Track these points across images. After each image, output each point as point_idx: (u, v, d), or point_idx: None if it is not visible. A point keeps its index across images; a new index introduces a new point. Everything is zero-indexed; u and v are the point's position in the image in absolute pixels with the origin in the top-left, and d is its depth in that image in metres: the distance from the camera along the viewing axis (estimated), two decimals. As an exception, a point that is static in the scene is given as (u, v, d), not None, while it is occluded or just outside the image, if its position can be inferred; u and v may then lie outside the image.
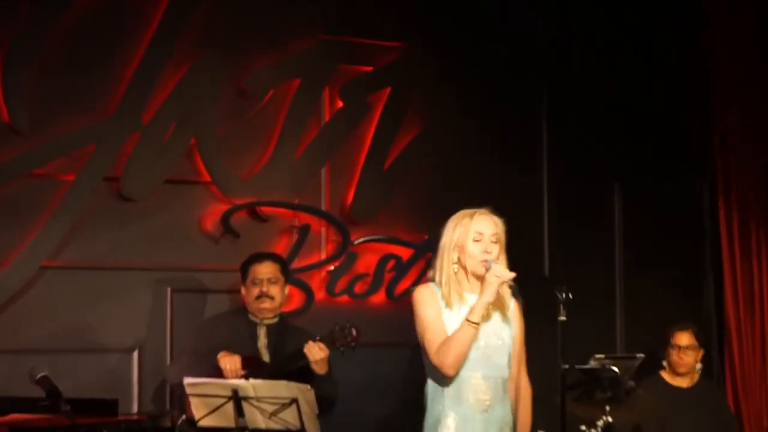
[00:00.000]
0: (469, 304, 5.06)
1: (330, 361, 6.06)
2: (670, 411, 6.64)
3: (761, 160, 8.01)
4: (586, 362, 5.79)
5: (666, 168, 8.06)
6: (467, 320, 4.98)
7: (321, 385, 5.82)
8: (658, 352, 7.09)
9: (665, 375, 7.06)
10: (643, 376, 6.94)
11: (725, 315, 7.98)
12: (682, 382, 7.03)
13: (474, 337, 5.01)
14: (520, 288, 5.00)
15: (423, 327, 5.12)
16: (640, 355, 6.16)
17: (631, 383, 6.10)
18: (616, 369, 5.79)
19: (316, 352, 6.00)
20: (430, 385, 5.16)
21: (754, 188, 7.99)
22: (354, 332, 6.08)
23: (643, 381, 6.87)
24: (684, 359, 6.98)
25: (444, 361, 5.02)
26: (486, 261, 5.01)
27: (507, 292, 5.11)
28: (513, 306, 5.18)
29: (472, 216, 5.14)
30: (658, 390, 6.82)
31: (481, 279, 5.07)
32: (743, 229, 7.97)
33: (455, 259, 5.12)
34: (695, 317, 7.68)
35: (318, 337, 6.04)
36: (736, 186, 7.99)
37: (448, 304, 5.09)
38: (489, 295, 4.98)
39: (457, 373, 5.06)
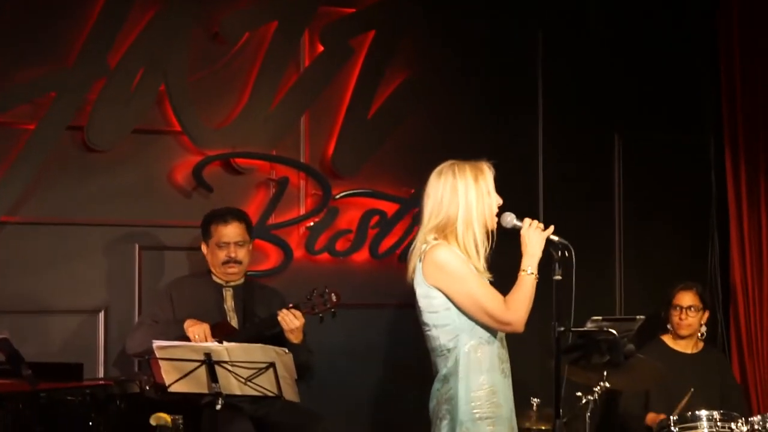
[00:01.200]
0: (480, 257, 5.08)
1: (305, 328, 6.05)
2: (673, 377, 6.64)
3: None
4: (582, 324, 5.77)
5: (669, 118, 8.06)
6: (525, 271, 5.03)
7: (295, 354, 5.78)
8: (660, 314, 7.10)
9: (667, 339, 7.07)
10: (643, 340, 6.96)
11: (731, 274, 8.01)
12: (686, 348, 7.04)
13: (534, 289, 5.07)
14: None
15: (473, 289, 5.04)
16: (640, 317, 6.14)
17: (631, 347, 6.07)
18: (614, 332, 5.77)
19: (290, 320, 5.99)
20: (461, 355, 5.12)
21: (763, 139, 7.96)
22: (334, 297, 6.08)
23: (644, 345, 6.89)
24: (686, 320, 6.99)
25: (520, 316, 5.03)
26: (505, 213, 5.09)
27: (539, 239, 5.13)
28: None
29: (482, 169, 5.15)
30: (659, 355, 6.82)
31: (490, 230, 5.11)
32: (751, 183, 7.98)
33: (470, 218, 5.12)
34: (699, 277, 7.72)
35: (293, 304, 6.03)
36: (744, 137, 7.99)
37: (478, 270, 5.09)
38: (538, 250, 5.05)
39: (491, 338, 5.10)
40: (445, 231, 5.09)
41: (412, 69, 7.35)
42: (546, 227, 5.06)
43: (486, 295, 5.05)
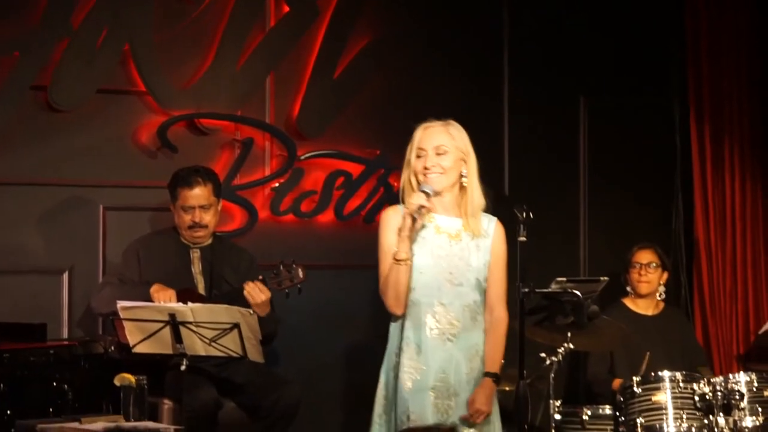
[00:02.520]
0: (436, 225, 5.07)
1: (272, 300, 6.06)
2: (635, 339, 6.69)
3: (736, 71, 8.02)
4: (546, 286, 5.80)
5: (634, 81, 8.06)
6: (394, 258, 4.99)
7: (262, 325, 5.79)
8: (621, 276, 7.13)
9: (628, 302, 7.11)
10: (605, 303, 7.00)
11: (695, 236, 8.04)
12: (646, 309, 7.08)
13: (407, 274, 5.02)
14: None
15: (379, 253, 5.11)
16: (604, 278, 6.19)
17: (595, 308, 6.13)
18: (578, 293, 5.81)
19: (257, 294, 5.99)
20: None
21: (728, 100, 8.01)
22: (300, 273, 6.07)
23: (605, 309, 6.93)
24: (645, 277, 7.03)
25: (385, 301, 5.07)
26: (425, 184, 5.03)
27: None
28: (493, 229, 5.18)
29: (426, 126, 5.12)
30: (620, 317, 6.86)
31: (454, 195, 5.11)
32: (715, 146, 8.02)
33: (409, 178, 5.11)
34: (663, 238, 7.76)
35: (261, 277, 6.03)
36: (709, 100, 8.01)
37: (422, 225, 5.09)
38: (406, 229, 4.97)
39: (408, 307, 5.08)
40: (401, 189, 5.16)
41: (378, 31, 7.34)
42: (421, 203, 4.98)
43: (380, 266, 5.09)
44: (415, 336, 5.09)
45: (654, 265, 7.05)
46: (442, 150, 5.05)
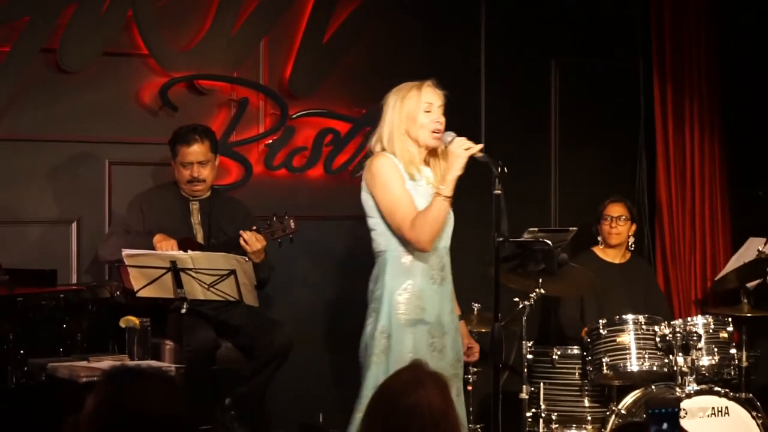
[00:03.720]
0: (425, 176, 5.09)
1: (266, 249, 6.07)
2: (603, 285, 6.72)
3: (697, 36, 7.99)
4: (519, 235, 5.81)
5: (601, 44, 8.05)
6: (441, 195, 4.98)
7: (257, 271, 5.82)
8: (591, 227, 7.15)
9: (597, 251, 7.12)
10: (575, 252, 7.02)
11: (657, 191, 8.05)
12: (614, 258, 7.10)
13: (447, 212, 5.03)
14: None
15: (392, 202, 5.06)
16: (573, 228, 6.20)
17: (564, 256, 6.14)
18: (549, 242, 5.82)
19: (253, 242, 5.99)
20: (389, 258, 5.15)
21: (690, 66, 7.99)
22: (292, 224, 6.08)
23: (576, 256, 6.95)
24: (616, 229, 7.04)
25: (421, 237, 5.02)
26: (444, 132, 5.06)
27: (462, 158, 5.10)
28: None
29: (420, 87, 5.13)
30: (589, 265, 6.89)
31: (430, 150, 5.13)
32: (677, 105, 8.00)
33: (405, 131, 5.12)
34: (628, 192, 7.76)
35: (255, 227, 6.03)
36: (671, 62, 7.99)
37: (412, 177, 5.09)
38: (457, 168, 4.97)
39: (409, 252, 5.11)
40: (382, 143, 5.14)
41: (364, -2, 7.32)
42: (481, 145, 5.03)
43: (400, 209, 5.04)
44: (414, 279, 5.11)
45: (624, 218, 7.06)
46: (443, 110, 5.13)
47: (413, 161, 5.11)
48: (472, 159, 4.98)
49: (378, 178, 5.09)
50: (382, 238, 5.15)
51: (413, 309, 5.08)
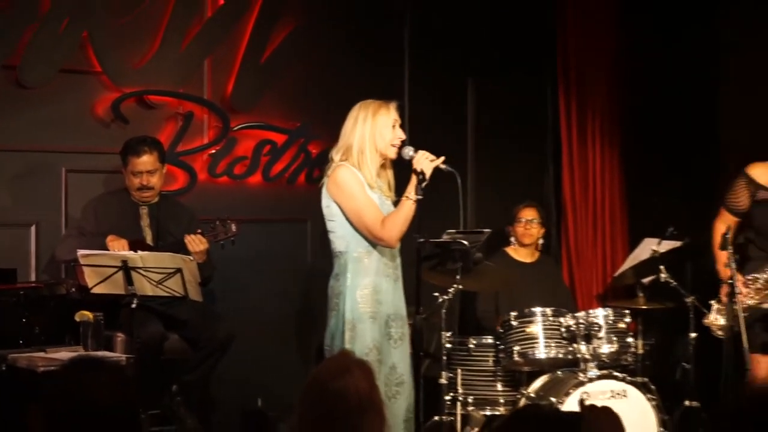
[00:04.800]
0: (379, 186, 5.19)
1: (210, 250, 6.08)
2: (515, 281, 6.77)
3: (597, 56, 8.07)
4: (439, 236, 5.85)
5: (514, 65, 8.10)
6: (410, 199, 5.10)
7: (201, 271, 5.84)
8: (504, 229, 7.20)
9: (510, 251, 7.17)
10: (490, 252, 7.07)
11: (563, 196, 8.11)
12: (525, 257, 7.16)
13: (413, 213, 5.17)
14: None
15: (359, 207, 5.17)
16: (487, 230, 6.24)
17: (479, 255, 6.18)
18: (465, 242, 5.87)
19: (196, 244, 6.02)
20: (349, 258, 5.21)
21: (590, 82, 8.06)
22: (233, 227, 6.11)
23: (491, 256, 7.00)
24: (529, 231, 7.10)
25: (392, 235, 5.16)
26: (406, 146, 5.23)
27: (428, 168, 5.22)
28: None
29: (387, 106, 5.28)
30: (503, 263, 6.94)
31: (385, 159, 5.27)
32: (580, 119, 8.07)
33: (375, 145, 5.21)
34: (536, 197, 7.82)
35: (199, 230, 6.04)
36: (576, 80, 8.06)
37: (372, 186, 5.19)
38: (426, 177, 5.15)
39: (371, 252, 5.19)
40: (347, 153, 5.20)
41: (299, 21, 7.31)
42: (443, 157, 5.19)
43: (368, 213, 5.15)
44: (372, 276, 5.19)
45: (536, 221, 7.14)
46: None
47: (371, 172, 5.22)
48: (407, 168, 5.14)
49: (343, 187, 5.19)
50: (342, 240, 5.25)
51: (373, 303, 5.20)
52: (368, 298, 5.20)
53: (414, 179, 5.15)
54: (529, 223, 7.11)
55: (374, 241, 5.20)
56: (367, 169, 5.20)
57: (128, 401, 2.88)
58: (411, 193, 5.14)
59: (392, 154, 5.26)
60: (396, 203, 5.28)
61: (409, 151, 5.20)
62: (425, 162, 5.13)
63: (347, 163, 5.21)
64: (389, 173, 5.35)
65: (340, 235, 5.25)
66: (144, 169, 6.23)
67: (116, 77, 6.73)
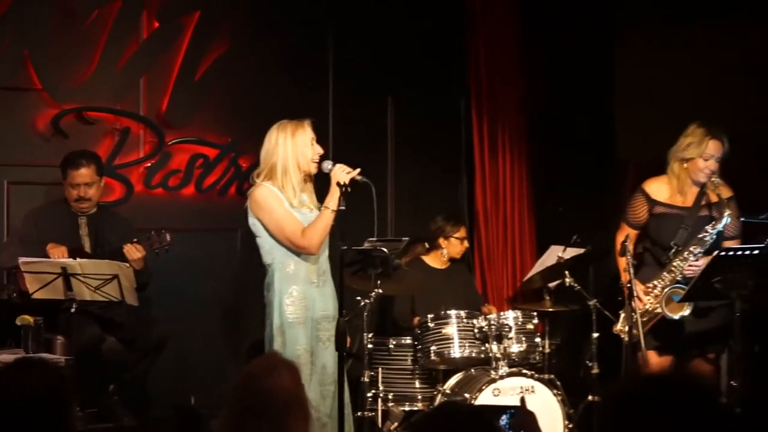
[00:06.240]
0: (303, 202, 5.19)
1: (146, 257, 6.01)
2: (430, 286, 6.77)
3: (506, 77, 8.12)
4: (361, 244, 5.84)
5: (430, 84, 8.11)
6: (329, 208, 5.13)
7: (138, 277, 5.78)
8: (423, 238, 7.18)
9: (425, 258, 7.16)
10: (407, 258, 7.05)
11: (475, 206, 8.14)
12: (438, 264, 7.14)
13: (332, 222, 5.18)
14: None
15: (279, 220, 5.20)
16: (405, 239, 6.24)
17: (398, 261, 6.18)
18: (385, 250, 5.86)
19: (133, 252, 5.97)
20: (276, 268, 5.23)
21: (501, 101, 8.10)
22: (168, 237, 6.09)
23: (407, 263, 6.99)
24: (460, 248, 7.11)
25: (312, 243, 5.18)
26: (325, 160, 5.25)
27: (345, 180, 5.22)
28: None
29: (303, 125, 5.29)
30: (418, 269, 6.93)
31: (307, 174, 5.29)
32: (491, 136, 8.10)
33: (297, 163, 5.22)
34: (451, 208, 7.84)
35: (136, 240, 5.99)
36: (488, 99, 8.09)
37: (292, 205, 5.19)
38: (349, 188, 5.16)
39: (298, 261, 5.18)
40: (271, 173, 5.21)
41: (230, 43, 7.26)
42: (359, 169, 5.21)
43: (287, 225, 5.18)
44: (298, 284, 5.20)
45: (466, 238, 7.17)
46: None
47: (293, 189, 5.23)
48: (330, 181, 5.15)
49: (262, 204, 5.21)
50: (269, 253, 5.28)
51: (300, 309, 5.22)
52: (295, 305, 5.22)
53: (333, 191, 5.16)
54: (462, 241, 7.12)
55: (296, 250, 5.21)
56: (290, 187, 5.24)
57: (57, 397, 2.84)
58: (330, 203, 5.15)
59: (314, 169, 5.30)
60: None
61: (327, 164, 5.22)
62: (342, 174, 5.16)
63: (267, 183, 5.23)
64: (310, 186, 5.39)
65: (267, 249, 5.29)
66: (82, 182, 6.14)
67: (56, 94, 6.65)
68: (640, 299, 5.69)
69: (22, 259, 5.59)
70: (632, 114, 7.98)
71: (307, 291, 5.26)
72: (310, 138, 5.29)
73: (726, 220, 5.71)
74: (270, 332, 5.24)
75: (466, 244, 7.19)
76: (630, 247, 5.74)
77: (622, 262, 5.75)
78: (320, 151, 5.29)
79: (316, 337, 5.27)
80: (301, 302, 5.23)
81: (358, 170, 5.19)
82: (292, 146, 5.24)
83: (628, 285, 5.65)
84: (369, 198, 5.17)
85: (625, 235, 5.85)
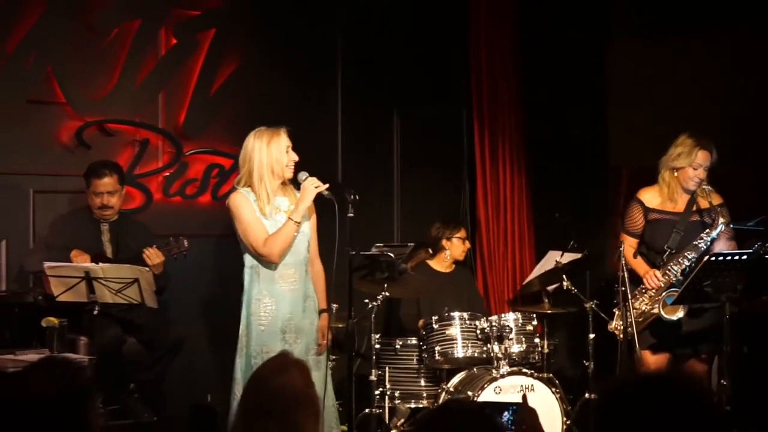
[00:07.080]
0: (279, 207, 5.16)
1: (165, 262, 6.03)
2: (434, 289, 6.77)
3: (506, 91, 8.12)
4: (368, 249, 5.86)
5: (434, 98, 8.12)
6: (292, 219, 5.08)
7: (157, 281, 5.79)
8: (427, 243, 7.18)
9: (430, 262, 7.16)
10: (412, 262, 7.05)
11: (477, 213, 8.14)
12: (443, 268, 7.14)
13: (295, 232, 5.09)
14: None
15: (245, 227, 5.19)
16: (411, 244, 6.27)
17: (404, 266, 6.21)
18: (391, 254, 5.88)
19: (153, 257, 5.98)
20: (249, 272, 5.22)
21: (501, 114, 8.11)
22: (185, 243, 6.10)
23: (413, 267, 6.99)
24: (462, 248, 7.11)
25: (272, 251, 5.15)
26: (302, 171, 5.21)
27: (311, 193, 5.17)
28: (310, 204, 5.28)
29: (279, 133, 5.24)
30: (423, 273, 6.94)
31: (283, 180, 5.24)
32: (492, 146, 8.10)
33: (272, 169, 5.19)
34: (454, 214, 7.85)
35: (155, 245, 6.00)
36: (488, 112, 8.10)
37: (264, 212, 5.17)
38: (308, 201, 5.15)
39: (264, 265, 5.16)
40: (249, 179, 5.22)
41: (243, 59, 7.28)
42: (327, 185, 5.16)
43: (252, 232, 5.18)
44: (268, 287, 5.17)
45: (467, 239, 7.17)
46: None
47: (267, 195, 5.22)
48: (319, 194, 5.13)
49: (233, 210, 5.27)
50: (246, 257, 5.29)
51: (268, 311, 5.19)
52: (261, 307, 5.22)
53: (300, 202, 5.18)
54: (464, 242, 7.12)
55: (259, 257, 5.20)
56: (265, 193, 5.23)
57: (81, 394, 2.84)
58: (294, 214, 5.16)
59: (289, 173, 5.27)
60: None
61: (302, 175, 5.24)
62: (310, 188, 5.14)
63: (243, 190, 5.25)
64: (291, 189, 5.36)
65: (243, 252, 5.30)
66: (105, 190, 6.16)
67: (79, 107, 6.65)
68: (658, 278, 5.82)
69: (47, 264, 5.60)
70: (626, 120, 7.96)
71: (277, 294, 5.24)
72: (285, 145, 5.26)
73: (720, 227, 5.77)
74: (240, 332, 5.26)
75: (467, 243, 7.19)
76: (626, 253, 5.77)
77: (619, 268, 5.78)
78: (295, 158, 5.27)
79: (282, 340, 5.22)
80: (270, 305, 5.22)
81: (327, 186, 5.17)
82: (267, 153, 5.23)
83: (623, 288, 5.67)
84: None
85: (630, 246, 5.94)
